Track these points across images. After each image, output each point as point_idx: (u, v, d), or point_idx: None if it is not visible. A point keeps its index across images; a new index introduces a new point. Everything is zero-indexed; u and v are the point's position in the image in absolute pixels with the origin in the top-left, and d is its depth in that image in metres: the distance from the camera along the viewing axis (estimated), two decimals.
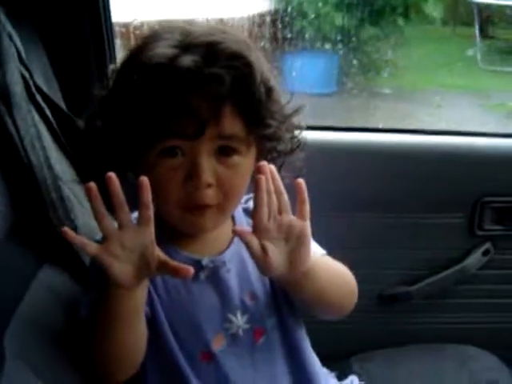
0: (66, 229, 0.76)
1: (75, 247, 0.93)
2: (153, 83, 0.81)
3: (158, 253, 0.78)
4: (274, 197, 0.83)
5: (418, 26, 2.65)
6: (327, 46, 2.32)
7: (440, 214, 1.41)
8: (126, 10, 1.47)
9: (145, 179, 0.76)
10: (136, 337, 0.86)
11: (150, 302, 0.89)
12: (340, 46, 2.31)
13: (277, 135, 0.90)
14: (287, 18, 2.02)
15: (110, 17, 1.23)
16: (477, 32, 2.48)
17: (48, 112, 1.04)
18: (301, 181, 0.83)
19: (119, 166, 0.86)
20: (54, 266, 0.95)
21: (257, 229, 0.83)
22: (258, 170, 0.82)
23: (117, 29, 1.34)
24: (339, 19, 2.25)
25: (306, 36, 2.20)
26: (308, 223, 0.84)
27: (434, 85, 2.86)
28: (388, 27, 2.49)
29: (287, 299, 0.97)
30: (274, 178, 0.83)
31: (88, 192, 0.76)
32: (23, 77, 0.97)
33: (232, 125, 0.83)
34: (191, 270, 0.76)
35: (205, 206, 0.85)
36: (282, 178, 0.86)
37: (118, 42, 1.28)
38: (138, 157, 0.86)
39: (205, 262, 0.92)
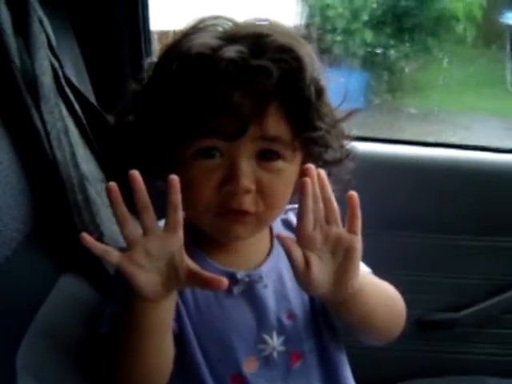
0: (85, 234, 0.69)
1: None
2: (192, 75, 0.75)
3: (188, 261, 0.71)
4: (321, 204, 0.76)
5: (448, 46, 2.61)
6: (356, 62, 2.28)
7: (491, 236, 1.34)
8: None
9: (174, 177, 0.69)
10: (161, 354, 0.78)
11: (178, 317, 0.82)
12: (369, 63, 2.29)
13: (325, 141, 0.83)
14: (317, 33, 1.98)
15: (147, 8, 1.17)
16: (508, 54, 2.43)
17: (77, 106, 0.98)
18: (353, 194, 0.76)
19: (149, 166, 0.80)
20: (75, 274, 0.89)
21: (300, 238, 0.76)
22: (303, 173, 0.75)
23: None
24: (369, 36, 2.22)
25: (336, 52, 2.16)
26: (359, 238, 0.77)
27: (461, 106, 2.82)
28: (418, 46, 2.45)
29: (327, 320, 0.91)
30: (322, 184, 0.76)
31: (108, 192, 0.69)
32: (52, 66, 0.92)
33: (277, 126, 0.77)
34: (225, 281, 0.69)
35: (241, 213, 0.79)
36: None
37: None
38: (171, 157, 0.80)
39: (240, 275, 0.85)
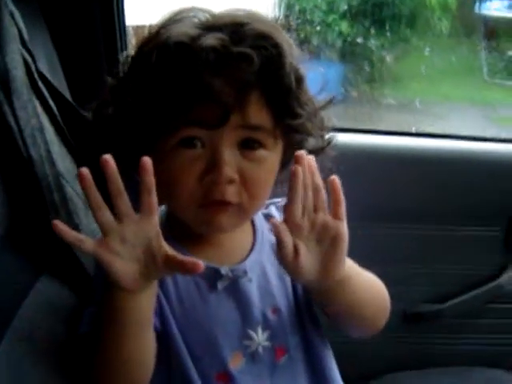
0: (57, 222, 0.67)
1: (77, 253, 0.84)
2: (171, 65, 0.74)
3: (165, 247, 0.69)
4: (310, 192, 0.75)
5: (424, 37, 2.61)
6: (332, 54, 2.27)
7: (473, 226, 1.34)
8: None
9: (147, 159, 0.67)
10: (143, 351, 0.76)
11: (161, 313, 0.81)
12: (344, 54, 2.30)
13: (306, 128, 0.82)
14: (292, 26, 1.96)
15: (122, 1, 1.14)
16: (483, 44, 2.44)
17: (51, 102, 0.95)
18: (335, 178, 0.75)
19: (129, 159, 0.77)
20: (53, 276, 0.86)
21: (288, 225, 0.75)
22: (295, 160, 0.74)
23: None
24: (345, 28, 2.21)
25: (311, 44, 2.15)
26: (345, 224, 0.76)
27: (438, 96, 2.82)
28: (393, 37, 2.45)
29: (312, 315, 0.91)
30: (311, 171, 0.75)
31: (81, 178, 0.66)
32: (25, 61, 0.88)
33: (258, 114, 0.77)
34: (201, 264, 0.67)
35: (223, 203, 0.78)
36: None
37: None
38: (151, 149, 0.78)
39: (224, 270, 0.84)
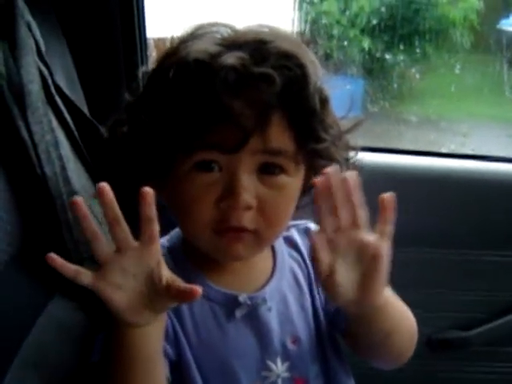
0: (52, 255, 0.63)
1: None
2: (190, 83, 0.70)
3: (167, 276, 0.65)
4: (342, 207, 0.68)
5: (445, 53, 2.59)
6: (353, 69, 2.27)
7: (502, 251, 1.29)
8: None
9: (147, 189, 0.63)
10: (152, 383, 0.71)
11: (176, 342, 0.78)
12: (366, 70, 2.27)
13: (330, 153, 0.78)
14: (312, 40, 1.99)
15: (143, 13, 1.11)
16: (505, 61, 2.42)
17: (68, 117, 0.92)
18: (388, 196, 0.69)
19: (143, 180, 0.73)
20: (65, 298, 0.83)
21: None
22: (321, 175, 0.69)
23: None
24: (366, 43, 2.20)
25: (331, 58, 2.14)
26: (388, 245, 0.70)
27: (460, 113, 2.80)
28: (415, 53, 2.43)
29: (334, 344, 0.87)
30: (348, 186, 0.68)
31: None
32: (41, 74, 0.86)
33: (280, 137, 0.72)
34: (197, 291, 0.62)
35: (241, 230, 0.74)
36: None
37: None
38: (167, 170, 0.75)
39: (242, 298, 0.80)
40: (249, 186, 0.72)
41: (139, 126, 0.75)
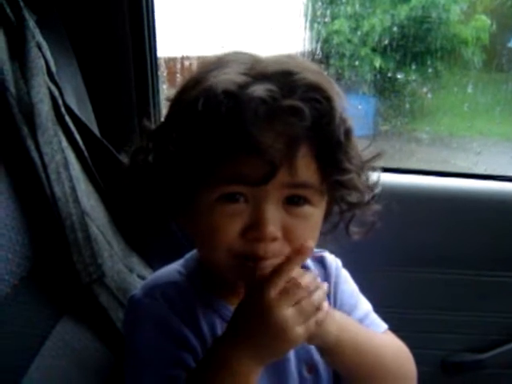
0: None
1: (98, 295, 0.82)
2: (219, 114, 0.67)
3: None
4: None
5: (457, 71, 2.58)
6: (365, 88, 2.26)
7: None
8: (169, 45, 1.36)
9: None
10: None
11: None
12: (377, 89, 2.25)
13: (353, 183, 0.77)
14: (323, 60, 1.97)
15: (153, 32, 1.10)
16: None
17: (78, 137, 0.91)
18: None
19: (166, 208, 0.75)
20: (74, 319, 0.82)
21: None
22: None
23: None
24: (378, 62, 2.19)
25: (343, 77, 2.13)
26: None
27: (472, 131, 2.77)
28: (427, 72, 2.42)
29: None
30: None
31: None
32: (51, 94, 0.85)
33: (306, 170, 0.71)
34: None
35: (266, 259, 0.72)
36: (351, 234, 0.79)
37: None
38: (191, 200, 0.74)
39: None
40: (274, 218, 0.71)
41: (166, 155, 0.74)
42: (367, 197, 0.80)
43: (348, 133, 0.73)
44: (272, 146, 0.67)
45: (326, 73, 0.78)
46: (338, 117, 0.70)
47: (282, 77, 0.69)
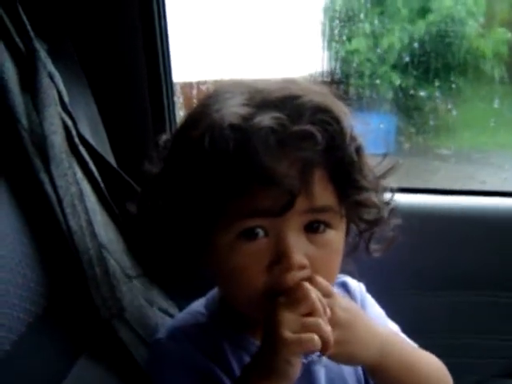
0: None
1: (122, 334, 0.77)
2: (227, 150, 0.65)
3: None
4: None
5: (477, 85, 2.56)
6: (384, 105, 2.24)
7: None
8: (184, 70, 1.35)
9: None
10: None
11: None
12: (397, 105, 2.22)
13: (371, 201, 0.75)
14: (342, 79, 1.98)
15: (168, 58, 1.09)
16: None
17: (93, 167, 0.89)
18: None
19: (181, 252, 0.73)
20: (93, 357, 0.79)
21: None
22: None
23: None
24: (396, 79, 2.17)
25: (363, 96, 2.11)
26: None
27: (494, 145, 2.74)
28: (446, 86, 2.40)
29: None
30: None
31: None
32: (65, 124, 0.83)
33: (324, 194, 0.70)
34: None
35: None
36: (372, 252, 0.79)
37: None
38: (207, 240, 0.71)
39: None
40: (298, 246, 0.69)
41: (174, 197, 0.72)
42: (385, 213, 0.78)
43: (359, 150, 0.72)
44: (288, 174, 0.65)
45: (343, 92, 0.74)
46: (348, 136, 0.68)
47: (287, 102, 0.67)
